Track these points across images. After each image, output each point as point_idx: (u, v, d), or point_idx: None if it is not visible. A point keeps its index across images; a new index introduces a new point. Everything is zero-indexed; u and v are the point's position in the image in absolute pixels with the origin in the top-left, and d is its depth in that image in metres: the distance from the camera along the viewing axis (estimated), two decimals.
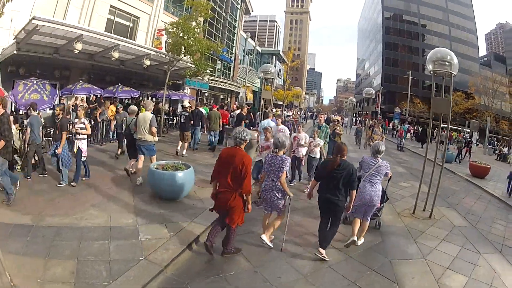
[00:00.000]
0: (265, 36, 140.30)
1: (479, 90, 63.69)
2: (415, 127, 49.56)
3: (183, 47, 19.80)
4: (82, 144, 9.64)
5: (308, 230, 8.02)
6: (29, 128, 9.68)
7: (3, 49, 16.71)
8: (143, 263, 5.78)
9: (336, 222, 6.74)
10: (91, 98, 20.03)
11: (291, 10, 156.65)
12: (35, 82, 14.24)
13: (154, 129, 10.08)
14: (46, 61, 18.46)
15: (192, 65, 22.10)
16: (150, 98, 26.11)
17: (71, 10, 20.87)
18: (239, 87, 49.21)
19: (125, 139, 12.34)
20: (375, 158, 7.43)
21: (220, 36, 42.51)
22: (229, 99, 47.85)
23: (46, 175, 10.16)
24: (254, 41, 63.43)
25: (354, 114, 56.54)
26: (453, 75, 9.74)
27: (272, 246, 6.87)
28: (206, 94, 40.99)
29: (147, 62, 21.07)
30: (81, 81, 18.97)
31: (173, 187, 8.75)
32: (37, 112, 10.25)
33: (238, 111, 19.07)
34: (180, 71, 24.16)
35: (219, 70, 45.03)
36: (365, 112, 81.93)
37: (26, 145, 9.88)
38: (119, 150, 13.59)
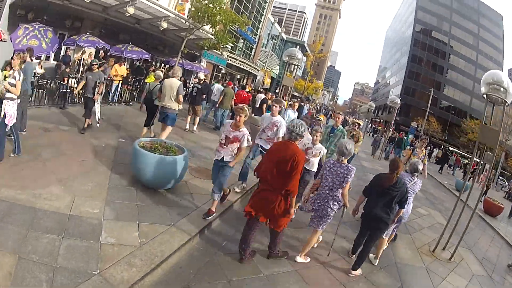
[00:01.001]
0: (292, 25, 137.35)
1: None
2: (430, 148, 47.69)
3: (206, 15, 18.14)
4: (8, 107, 7.04)
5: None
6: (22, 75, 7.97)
7: None
8: (95, 281, 4.25)
9: (376, 239, 6.47)
10: (100, 54, 18.33)
11: (323, 4, 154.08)
12: (36, 27, 13.26)
13: (181, 97, 9.79)
14: (57, 8, 16.80)
15: (212, 37, 20.38)
16: (162, 64, 24.93)
17: None
18: (258, 70, 47.18)
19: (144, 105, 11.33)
20: (412, 176, 7.23)
21: (247, 14, 40.41)
22: (245, 80, 45.87)
23: (25, 132, 8.72)
24: (281, 27, 61.46)
25: (367, 120, 54.59)
26: (506, 104, 8.28)
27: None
28: (223, 71, 39.13)
29: (164, 25, 19.43)
30: (88, 33, 17.52)
31: (159, 174, 7.01)
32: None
33: (262, 96, 17.62)
34: (198, 41, 22.56)
35: (240, 49, 43.28)
36: (379, 120, 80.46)
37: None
38: (86, 122, 10.53)
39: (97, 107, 10.95)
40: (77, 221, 5.41)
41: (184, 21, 19.81)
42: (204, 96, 14.83)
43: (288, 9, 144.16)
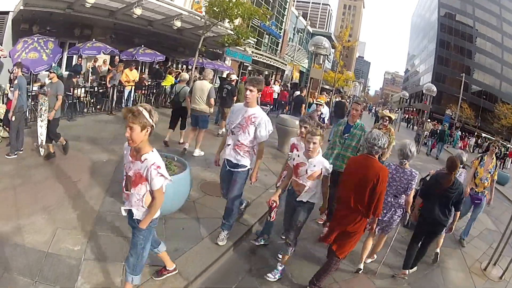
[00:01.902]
0: (317, 19, 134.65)
1: None
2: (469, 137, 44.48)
3: (222, 10, 16.25)
4: None
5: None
6: (17, 91, 7.62)
7: (15, 5, 13.94)
8: None
9: (432, 241, 6.07)
10: (114, 60, 17.09)
11: None
12: (36, 39, 12.32)
13: (212, 101, 9.49)
14: (61, 17, 15.80)
15: (232, 32, 18.66)
16: (181, 65, 23.68)
17: None
18: (285, 64, 44.61)
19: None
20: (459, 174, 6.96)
21: (270, 9, 38.21)
22: (274, 76, 43.68)
23: (22, 151, 8.08)
24: (306, 20, 59.10)
25: (400, 110, 51.86)
26: None
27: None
28: (250, 68, 37.06)
29: (178, 24, 17.71)
30: (94, 39, 16.23)
31: None
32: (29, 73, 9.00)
33: (298, 92, 15.88)
34: (218, 38, 20.52)
35: (266, 44, 41.04)
36: (411, 109, 77.57)
37: (11, 112, 7.73)
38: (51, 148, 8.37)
39: (40, 126, 8.14)
40: (55, 261, 4.44)
41: (199, 18, 17.97)
42: (235, 98, 13.28)
43: (312, 3, 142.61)
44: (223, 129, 12.59)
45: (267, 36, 40.60)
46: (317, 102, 10.07)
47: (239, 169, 5.25)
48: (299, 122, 5.47)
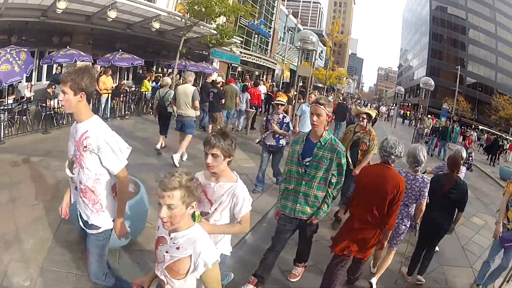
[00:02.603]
0: (308, 17, 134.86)
1: None
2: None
3: (202, 8, 15.34)
4: None
5: None
6: None
7: None
8: None
9: (436, 245, 5.74)
10: (95, 67, 15.95)
11: None
12: (8, 50, 11.54)
13: (197, 103, 9.13)
14: (37, 26, 15.10)
15: (215, 31, 17.70)
16: (165, 68, 23.07)
17: None
18: (275, 63, 43.87)
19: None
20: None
21: (258, 8, 37.41)
22: (265, 76, 42.93)
23: None
24: (296, 19, 58.11)
25: (394, 105, 50.86)
26: None
27: None
28: (239, 69, 36.27)
29: (156, 25, 16.79)
30: (68, 47, 15.44)
31: None
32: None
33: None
34: (201, 39, 19.64)
35: (255, 44, 40.15)
36: (407, 104, 76.94)
37: None
38: None
39: None
40: None
41: (179, 19, 17.04)
42: (224, 101, 12.80)
43: (303, 1, 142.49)
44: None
45: (256, 36, 39.75)
46: (277, 102, 7.76)
47: (91, 231, 3.24)
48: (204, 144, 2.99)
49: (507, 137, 50.94)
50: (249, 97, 14.63)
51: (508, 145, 33.39)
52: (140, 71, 19.78)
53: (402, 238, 5.21)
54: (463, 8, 76.66)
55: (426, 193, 4.88)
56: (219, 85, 13.32)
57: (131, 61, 16.75)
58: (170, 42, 21.58)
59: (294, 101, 14.73)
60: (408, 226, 5.12)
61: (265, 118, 8.08)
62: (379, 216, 4.18)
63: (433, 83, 20.66)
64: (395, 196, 4.06)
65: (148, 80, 16.92)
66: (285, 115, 7.78)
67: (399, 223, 4.99)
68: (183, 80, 9.59)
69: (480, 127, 54.82)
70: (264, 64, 40.08)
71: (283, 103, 7.65)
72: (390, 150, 4.21)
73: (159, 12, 16.61)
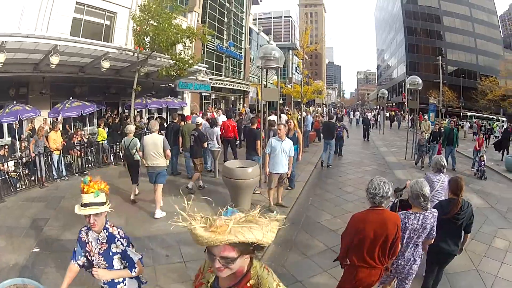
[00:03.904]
0: (281, 33, 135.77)
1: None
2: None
3: (151, 37, 14.15)
4: None
5: None
6: None
7: None
8: None
9: (444, 268, 5.47)
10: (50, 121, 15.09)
11: (305, 3, 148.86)
12: None
13: (169, 152, 8.94)
14: None
15: (171, 61, 16.05)
16: (124, 109, 21.43)
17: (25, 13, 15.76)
18: (249, 85, 42.35)
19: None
20: (439, 175, 6.52)
21: (226, 29, 36.48)
22: (241, 100, 41.57)
23: None
24: (268, 35, 57.61)
25: (378, 107, 49.54)
26: None
27: None
28: (213, 97, 34.76)
29: (105, 65, 15.20)
30: (15, 102, 14.32)
31: None
32: None
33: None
34: (156, 73, 18.18)
35: (228, 68, 38.61)
36: (391, 104, 76.10)
37: None
38: None
39: None
40: None
41: (132, 53, 15.69)
42: (206, 145, 11.55)
43: (274, 17, 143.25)
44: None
45: (227, 59, 38.27)
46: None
47: None
48: None
49: (499, 117, 50.48)
50: (219, 133, 12.93)
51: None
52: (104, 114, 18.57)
53: (413, 276, 4.81)
54: None
55: (435, 226, 4.62)
56: (175, 121, 12.78)
57: (81, 109, 15.39)
58: (131, 80, 20.03)
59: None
60: (419, 262, 4.78)
61: None
62: (383, 258, 4.17)
63: (420, 81, 18.00)
64: (395, 236, 4.09)
65: (104, 127, 15.42)
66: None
67: (411, 264, 4.67)
68: (148, 130, 9.51)
69: (469, 113, 54.17)
70: (239, 87, 38.73)
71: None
72: (374, 191, 4.14)
73: (107, 49, 15.24)
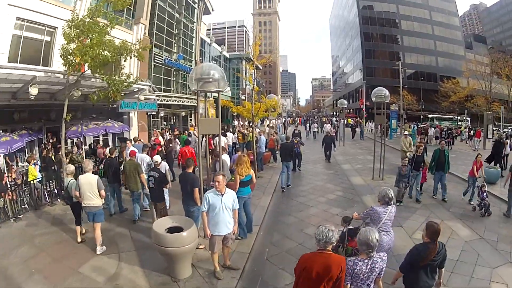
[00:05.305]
0: (235, 43, 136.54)
1: (475, 73, 57.67)
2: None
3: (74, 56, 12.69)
4: None
5: None
6: None
7: None
8: None
9: None
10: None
11: (259, 12, 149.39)
12: None
13: (103, 192, 9.06)
14: None
15: (101, 83, 14.82)
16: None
17: None
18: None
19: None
20: (386, 207, 6.48)
21: (175, 41, 35.32)
22: (193, 115, 40.07)
23: None
24: (221, 46, 56.92)
25: (334, 113, 49.26)
26: None
27: None
28: (162, 114, 33.25)
29: (33, 91, 13.70)
30: None
31: None
32: None
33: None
34: (93, 94, 16.34)
35: (178, 82, 37.10)
36: (348, 111, 76.40)
37: None
38: None
39: None
40: None
41: (62, 76, 14.18)
42: (168, 186, 10.28)
43: (228, 27, 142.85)
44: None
45: (176, 73, 36.75)
46: None
47: None
48: None
49: (463, 117, 51.80)
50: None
51: (475, 131, 31.97)
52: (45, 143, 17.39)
53: None
54: (392, 1, 79.11)
55: (384, 268, 4.86)
56: (111, 156, 12.32)
57: (8, 145, 13.42)
58: (71, 104, 18.51)
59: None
60: None
61: None
62: None
63: (387, 93, 16.62)
64: (339, 275, 4.48)
65: (32, 165, 13.77)
66: None
67: None
68: (83, 170, 9.33)
69: (430, 115, 55.60)
70: (189, 103, 37.38)
71: None
72: (319, 237, 4.59)
73: (33, 73, 13.77)
